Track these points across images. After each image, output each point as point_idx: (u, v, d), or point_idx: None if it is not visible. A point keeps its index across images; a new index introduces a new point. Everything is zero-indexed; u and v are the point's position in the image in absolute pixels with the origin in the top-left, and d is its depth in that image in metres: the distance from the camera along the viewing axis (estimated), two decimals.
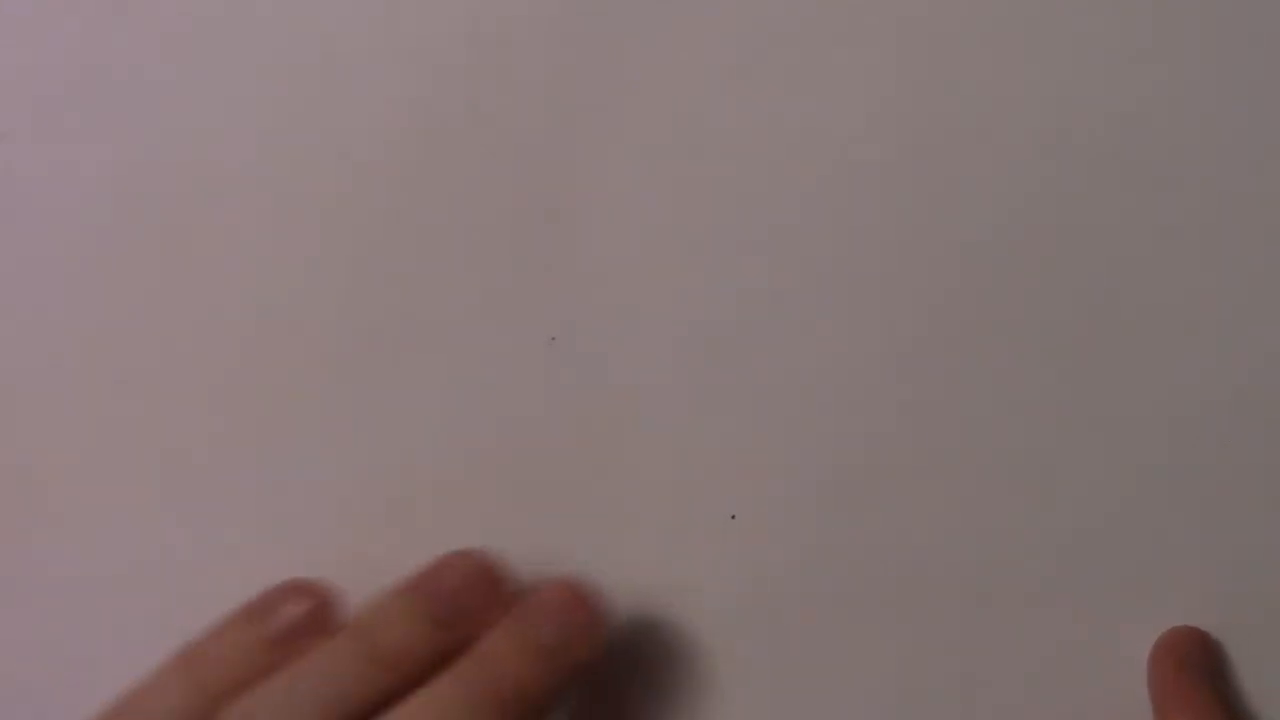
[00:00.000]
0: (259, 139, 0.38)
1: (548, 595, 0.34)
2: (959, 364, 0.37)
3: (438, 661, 0.33)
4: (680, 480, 0.37)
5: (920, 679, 0.36)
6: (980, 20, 0.37)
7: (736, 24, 0.37)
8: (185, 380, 0.38)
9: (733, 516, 0.37)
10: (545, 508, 0.37)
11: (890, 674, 0.36)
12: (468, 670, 0.33)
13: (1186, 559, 0.36)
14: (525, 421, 0.37)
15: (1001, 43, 0.37)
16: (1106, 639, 0.36)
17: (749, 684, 0.36)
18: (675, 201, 0.37)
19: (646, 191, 0.37)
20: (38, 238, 0.39)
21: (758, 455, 0.37)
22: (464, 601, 0.34)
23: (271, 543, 0.37)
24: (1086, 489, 0.36)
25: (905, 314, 0.37)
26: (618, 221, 0.38)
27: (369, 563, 0.36)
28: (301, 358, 0.38)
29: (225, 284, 0.38)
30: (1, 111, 0.39)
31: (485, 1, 0.38)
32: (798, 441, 0.37)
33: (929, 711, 0.36)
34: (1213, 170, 0.36)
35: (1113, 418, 0.36)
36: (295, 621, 0.34)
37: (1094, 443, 0.36)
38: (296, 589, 0.35)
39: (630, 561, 0.37)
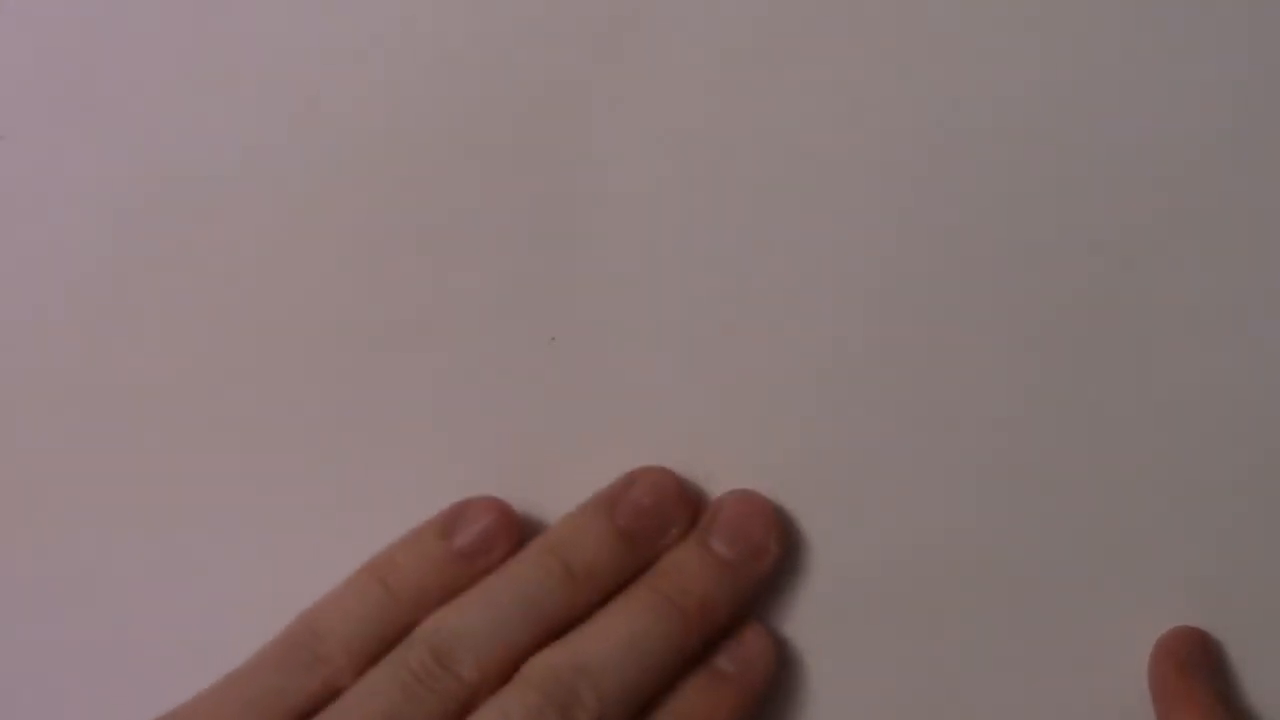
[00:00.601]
0: (259, 139, 0.38)
1: (729, 512, 0.35)
2: (959, 364, 0.37)
3: (624, 577, 0.35)
4: None
5: (920, 679, 0.36)
6: (983, 19, 0.37)
7: (738, 25, 0.37)
8: (186, 381, 0.38)
9: None
10: (546, 508, 0.37)
11: (889, 674, 0.36)
12: (654, 585, 0.34)
13: (1187, 559, 0.36)
14: (525, 421, 0.37)
15: (1006, 41, 0.37)
16: (1106, 639, 0.36)
17: None
18: (676, 201, 0.37)
19: (648, 191, 0.37)
20: (38, 238, 0.39)
21: (759, 455, 0.37)
22: (652, 516, 0.35)
23: (272, 543, 0.37)
24: (1086, 489, 0.36)
25: (905, 314, 0.37)
26: (618, 221, 0.37)
27: None
28: (301, 359, 0.38)
29: (225, 285, 0.38)
30: (1, 111, 0.39)
31: (486, 1, 0.38)
32: (799, 441, 0.37)
33: (929, 711, 0.36)
34: (1213, 170, 0.36)
35: (1113, 417, 0.36)
36: (481, 535, 0.35)
37: (1094, 442, 0.36)
38: (480, 505, 0.36)
39: None
